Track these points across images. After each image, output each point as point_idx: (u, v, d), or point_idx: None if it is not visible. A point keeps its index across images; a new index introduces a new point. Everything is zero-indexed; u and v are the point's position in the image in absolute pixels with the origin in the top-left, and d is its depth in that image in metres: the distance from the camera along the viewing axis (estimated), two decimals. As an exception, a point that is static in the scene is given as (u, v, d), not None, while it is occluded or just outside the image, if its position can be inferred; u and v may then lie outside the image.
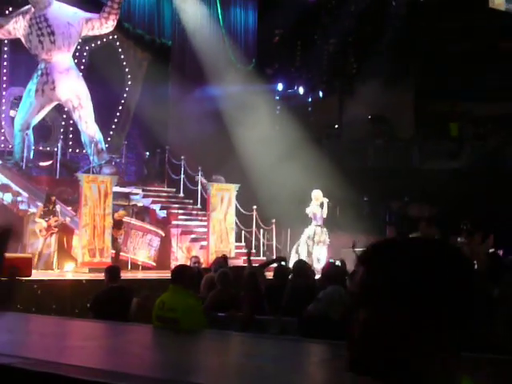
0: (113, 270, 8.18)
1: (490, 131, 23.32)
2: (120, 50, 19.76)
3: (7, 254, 7.18)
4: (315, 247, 16.37)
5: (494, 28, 22.65)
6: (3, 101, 18.42)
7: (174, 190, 18.76)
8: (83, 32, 17.62)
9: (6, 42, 18.25)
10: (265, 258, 16.68)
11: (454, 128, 24.26)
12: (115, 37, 19.37)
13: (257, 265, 9.09)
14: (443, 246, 1.25)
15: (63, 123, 18.98)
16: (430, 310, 1.18)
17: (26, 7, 17.20)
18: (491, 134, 23.30)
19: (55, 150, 18.04)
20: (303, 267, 8.40)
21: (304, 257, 15.37)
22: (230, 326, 7.60)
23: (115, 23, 17.76)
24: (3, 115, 18.39)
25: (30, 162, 17.74)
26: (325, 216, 16.62)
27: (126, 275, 14.00)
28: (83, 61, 18.94)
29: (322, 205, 16.64)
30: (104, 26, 17.67)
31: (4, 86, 18.52)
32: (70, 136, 18.98)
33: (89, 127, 17.56)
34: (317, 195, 16.63)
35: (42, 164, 18.27)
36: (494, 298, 6.58)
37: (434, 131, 23.78)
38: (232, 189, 16.75)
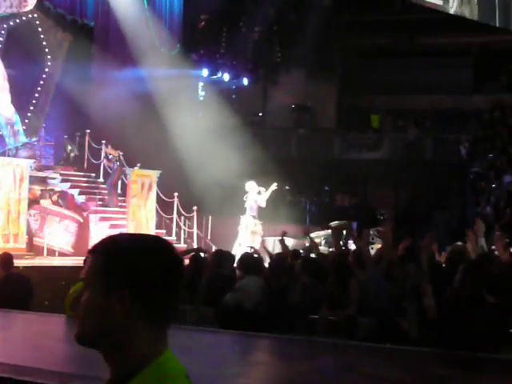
0: (5, 258, 7.91)
1: (409, 124, 23.85)
2: (40, 29, 19.15)
3: None
4: (250, 237, 16.27)
5: (414, 23, 23.13)
6: None
7: (94, 174, 18.43)
8: (0, 9, 16.99)
9: None
10: (186, 246, 16.61)
11: (375, 120, 24.73)
12: (35, 15, 18.74)
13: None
14: (158, 242, 1.57)
15: (-22, 103, 18.31)
16: (135, 293, 1.48)
17: None
18: (410, 127, 23.84)
19: (-31, 131, 17.41)
20: (222, 257, 8.38)
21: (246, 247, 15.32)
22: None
23: (35, 1, 17.21)
24: None
25: None
26: (263, 205, 16.35)
27: (41, 262, 13.72)
28: (0, 39, 18.27)
29: (259, 192, 16.43)
30: (23, 3, 17.08)
31: None
32: (-15, 117, 18.31)
33: (5, 108, 16.99)
34: (252, 186, 16.41)
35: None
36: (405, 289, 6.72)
37: (355, 123, 24.16)
38: (153, 175, 16.56)
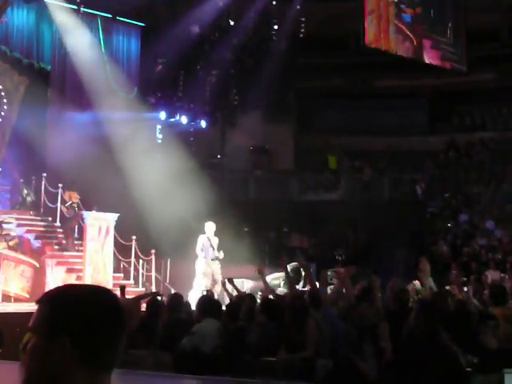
0: None
1: (365, 164, 24.18)
2: (-4, 72, 19.09)
3: None
4: (203, 281, 16.01)
5: (369, 65, 23.63)
6: None
7: (50, 218, 18.21)
8: (-44, 53, 16.92)
9: None
10: (144, 289, 16.43)
11: (332, 161, 25.01)
12: (-9, 59, 18.71)
13: (131, 297, 8.92)
14: (101, 293, 1.68)
15: None
16: (76, 341, 1.59)
17: None
18: (366, 167, 24.17)
19: None
20: (179, 301, 8.33)
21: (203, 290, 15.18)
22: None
23: (-9, 45, 17.19)
24: None
25: None
26: (215, 253, 16.00)
27: (-5, 308, 13.43)
28: (-45, 83, 18.15)
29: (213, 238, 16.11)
30: (-21, 47, 17.05)
31: None
32: None
33: (-40, 152, 16.79)
34: (211, 227, 16.16)
35: None
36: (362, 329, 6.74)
37: (312, 164, 24.40)
38: (110, 218, 16.41)
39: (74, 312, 1.62)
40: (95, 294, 1.68)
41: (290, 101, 25.01)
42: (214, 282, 15.46)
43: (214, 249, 15.96)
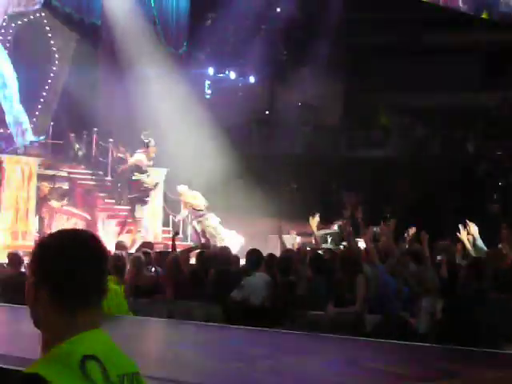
0: (14, 257, 8.37)
1: (416, 121, 23.83)
2: (47, 28, 19.23)
3: None
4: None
5: (421, 20, 23.13)
6: None
7: (101, 172, 18.49)
8: (9, 8, 17.05)
9: None
10: (191, 243, 16.66)
11: (382, 117, 24.68)
12: (43, 14, 18.81)
13: (181, 249, 9.05)
14: (84, 238, 1.77)
15: (-13, 102, 18.35)
16: (48, 284, 1.70)
17: None
18: (417, 124, 23.82)
19: (-22, 129, 17.49)
20: (227, 253, 8.43)
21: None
22: (153, 311, 7.56)
23: (43, 0, 17.28)
24: None
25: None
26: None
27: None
28: (9, 38, 18.31)
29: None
30: (31, 2, 17.15)
31: None
32: (-6, 116, 18.37)
33: (13, 107, 17.06)
34: (183, 192, 16.45)
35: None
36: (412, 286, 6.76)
37: (362, 120, 24.14)
38: (160, 173, 16.59)
39: (54, 260, 1.72)
40: (76, 240, 1.77)
41: (341, 56, 24.68)
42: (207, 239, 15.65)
43: (197, 213, 16.13)
